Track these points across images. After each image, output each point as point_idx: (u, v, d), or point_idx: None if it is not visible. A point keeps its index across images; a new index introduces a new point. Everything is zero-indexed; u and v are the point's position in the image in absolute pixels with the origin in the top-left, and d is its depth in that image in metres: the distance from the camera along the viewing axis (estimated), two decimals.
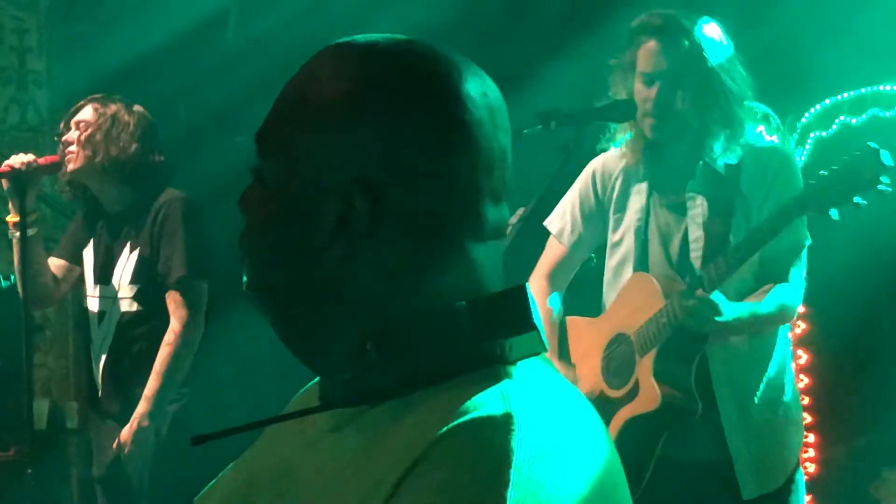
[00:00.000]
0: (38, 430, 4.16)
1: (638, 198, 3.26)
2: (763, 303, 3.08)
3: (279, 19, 5.55)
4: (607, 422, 3.15)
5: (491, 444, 1.01)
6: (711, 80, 3.08)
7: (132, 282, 3.79)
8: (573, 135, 3.00)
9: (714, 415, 3.10)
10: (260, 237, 1.17)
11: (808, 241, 3.16)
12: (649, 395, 3.09)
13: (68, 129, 3.86)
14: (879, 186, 2.84)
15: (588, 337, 3.33)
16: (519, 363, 1.11)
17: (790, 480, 3.16)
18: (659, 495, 3.10)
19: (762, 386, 3.14)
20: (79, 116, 3.86)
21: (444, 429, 1.02)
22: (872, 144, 2.86)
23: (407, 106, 1.11)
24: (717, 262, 3.01)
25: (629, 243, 3.26)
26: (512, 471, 0.99)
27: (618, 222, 3.30)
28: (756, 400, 3.13)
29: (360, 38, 1.17)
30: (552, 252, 3.46)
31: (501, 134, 1.16)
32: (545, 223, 3.45)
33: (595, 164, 3.40)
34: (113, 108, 3.85)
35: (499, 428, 1.02)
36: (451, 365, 1.09)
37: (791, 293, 3.11)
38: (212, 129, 5.54)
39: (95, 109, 3.85)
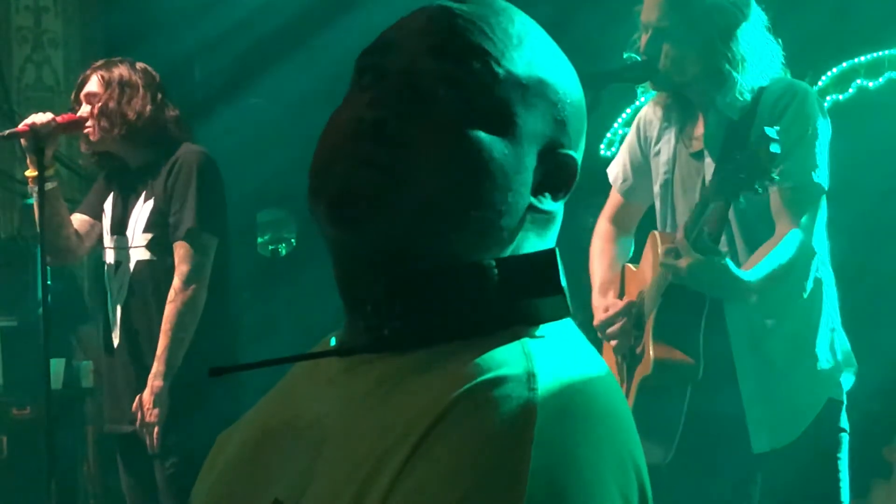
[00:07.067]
0: (55, 389, 4.17)
1: (666, 148, 3.18)
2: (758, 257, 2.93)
3: None
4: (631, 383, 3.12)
5: (515, 402, 1.02)
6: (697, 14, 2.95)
7: (145, 230, 3.81)
8: (590, 96, 2.97)
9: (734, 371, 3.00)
10: (425, 165, 1.09)
11: (812, 182, 2.94)
12: (647, 359, 3.05)
13: (78, 103, 3.86)
14: (773, 175, 2.73)
15: (632, 287, 3.24)
16: (543, 325, 1.11)
17: (808, 434, 3.01)
18: (691, 455, 3.03)
19: (784, 337, 3.04)
20: (86, 89, 3.84)
21: (468, 385, 1.03)
22: (769, 131, 2.72)
23: (577, 102, 1.19)
24: (688, 216, 2.93)
25: (660, 195, 3.20)
26: (535, 429, 1.00)
27: (655, 173, 3.23)
28: (774, 351, 3.02)
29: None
30: (612, 199, 3.40)
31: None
32: (607, 170, 3.40)
33: (641, 112, 3.32)
34: (117, 72, 3.84)
35: (522, 386, 1.03)
36: (476, 322, 1.09)
37: (787, 241, 2.92)
38: (226, 89, 5.53)
39: (101, 78, 3.83)
